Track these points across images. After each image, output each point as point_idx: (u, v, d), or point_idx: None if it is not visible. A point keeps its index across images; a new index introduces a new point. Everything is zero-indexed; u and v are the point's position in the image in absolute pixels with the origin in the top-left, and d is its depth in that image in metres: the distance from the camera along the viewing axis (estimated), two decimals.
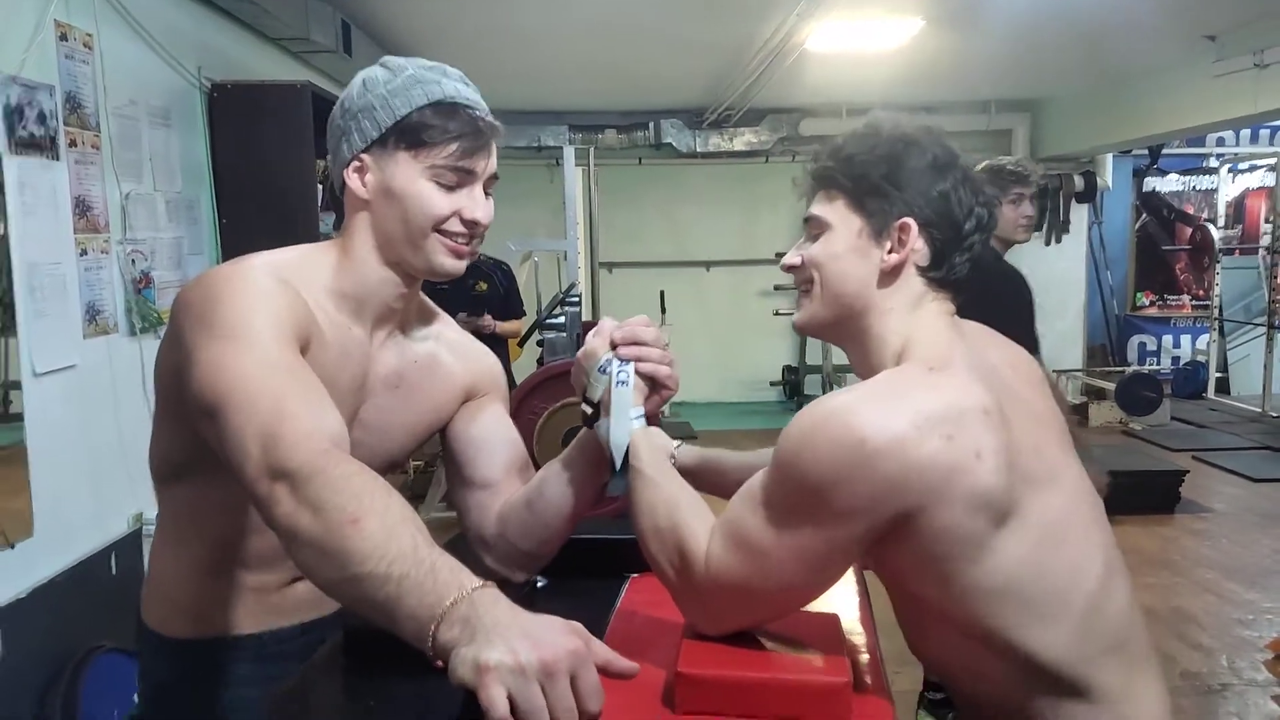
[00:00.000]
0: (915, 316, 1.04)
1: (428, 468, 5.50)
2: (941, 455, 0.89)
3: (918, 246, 1.03)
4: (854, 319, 1.06)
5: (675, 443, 1.32)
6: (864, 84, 5.97)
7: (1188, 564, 4.27)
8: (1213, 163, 8.04)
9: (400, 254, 1.11)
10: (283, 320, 1.00)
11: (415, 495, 5.25)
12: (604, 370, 1.09)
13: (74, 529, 2.38)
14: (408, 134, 1.06)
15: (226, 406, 0.91)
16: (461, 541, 1.41)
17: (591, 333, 1.13)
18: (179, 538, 1.17)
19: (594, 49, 5.16)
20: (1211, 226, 7.88)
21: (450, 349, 1.27)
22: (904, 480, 0.89)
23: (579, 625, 0.77)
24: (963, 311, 1.09)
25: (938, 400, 0.92)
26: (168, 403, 1.08)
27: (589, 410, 1.11)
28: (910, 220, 1.03)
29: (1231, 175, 8.08)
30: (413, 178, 1.07)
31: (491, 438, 1.25)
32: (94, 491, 2.48)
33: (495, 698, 0.69)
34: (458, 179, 1.08)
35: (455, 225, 1.09)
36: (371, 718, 0.84)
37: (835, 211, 1.06)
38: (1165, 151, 7.62)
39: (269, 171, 3.22)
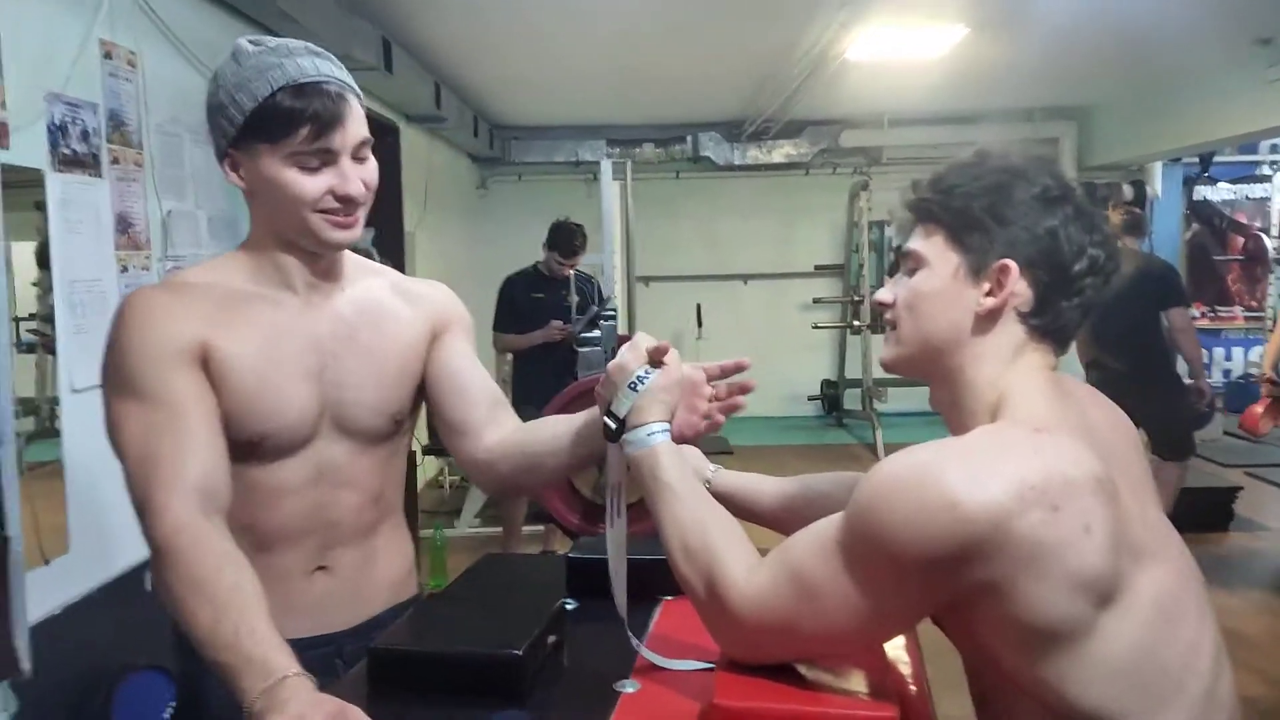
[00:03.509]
0: (1013, 368, 0.96)
1: (463, 482, 5.51)
2: (1043, 529, 0.81)
3: (1019, 290, 0.95)
4: (943, 361, 0.98)
5: (713, 467, 1.29)
6: (906, 93, 5.90)
7: (1243, 584, 4.13)
8: (1266, 170, 7.84)
9: (289, 237, 1.17)
10: (165, 351, 1.10)
11: (452, 510, 5.25)
12: (634, 387, 1.06)
13: (109, 545, 2.38)
14: (259, 127, 1.10)
15: (122, 463, 1.10)
16: (493, 560, 1.39)
17: (626, 346, 1.10)
18: None
19: (632, 62, 5.15)
20: (1265, 236, 7.68)
21: (399, 294, 1.30)
22: (995, 552, 0.81)
23: (347, 707, 0.87)
24: None
25: (1044, 467, 0.84)
26: None
27: (613, 425, 1.07)
28: (1010, 262, 0.94)
29: None
30: (275, 167, 1.11)
31: (458, 377, 1.29)
32: (130, 508, 2.48)
33: None
34: (320, 160, 1.11)
35: (330, 203, 1.13)
36: None
37: (932, 247, 0.99)
38: (1217, 159, 7.45)
39: None
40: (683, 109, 6.74)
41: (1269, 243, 7.59)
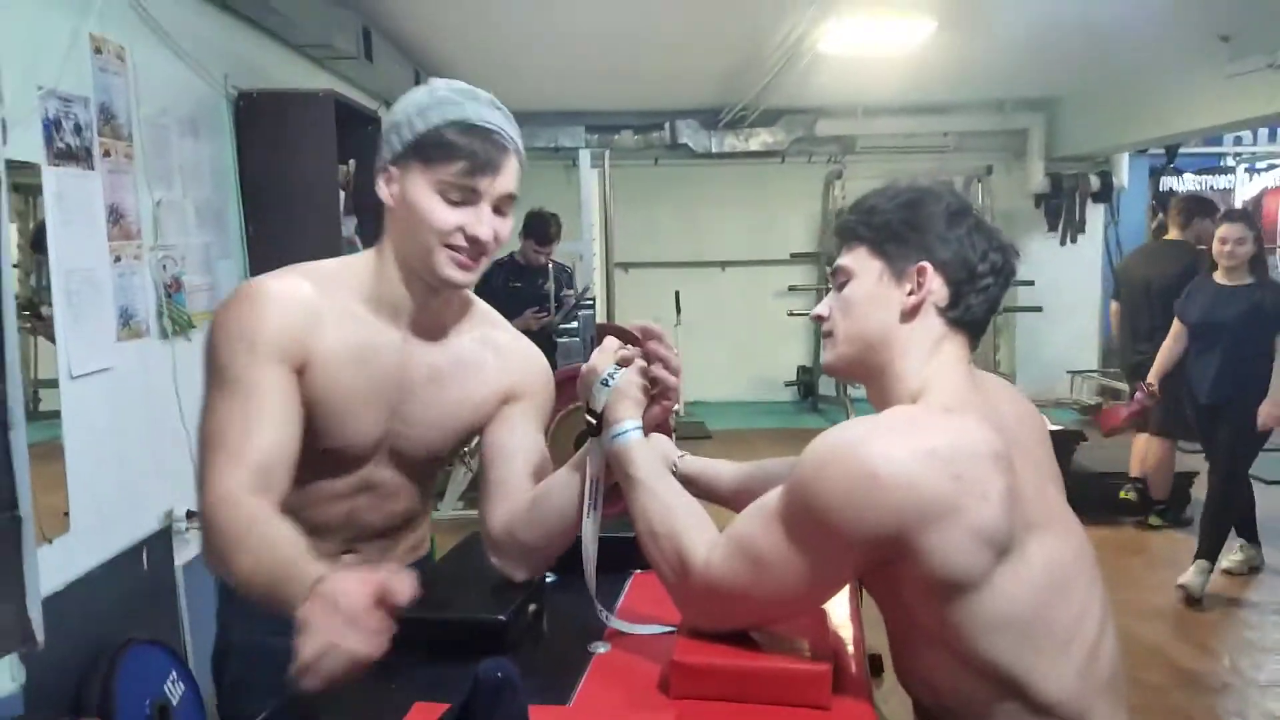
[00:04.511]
0: (935, 358, 1.10)
1: (444, 466, 5.62)
2: (948, 492, 0.95)
3: (935, 287, 1.10)
4: (876, 356, 1.12)
5: (680, 453, 1.40)
6: (879, 84, 6.01)
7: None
8: (1230, 162, 8.04)
9: (412, 260, 1.21)
10: (267, 347, 1.15)
11: (435, 493, 5.35)
12: (606, 384, 1.16)
13: (108, 526, 2.47)
14: (422, 149, 1.16)
15: (200, 445, 1.16)
16: (479, 538, 1.50)
17: (597, 350, 1.20)
18: None
19: (610, 51, 5.23)
20: None
21: (497, 352, 1.35)
22: (908, 512, 0.95)
23: (363, 575, 0.92)
24: None
25: (950, 440, 0.98)
26: None
27: (593, 421, 1.18)
28: (927, 263, 1.09)
29: (1249, 175, 8.07)
30: (422, 190, 1.16)
31: (515, 443, 1.33)
32: (127, 490, 2.57)
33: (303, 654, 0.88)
34: (463, 196, 1.16)
35: (459, 240, 1.17)
36: (391, 693, 0.94)
37: (858, 259, 1.14)
38: (1182, 151, 7.61)
39: (294, 177, 3.32)
40: (661, 96, 6.82)
41: None
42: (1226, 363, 3.83)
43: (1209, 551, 3.91)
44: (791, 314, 7.76)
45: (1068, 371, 7.76)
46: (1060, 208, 7.32)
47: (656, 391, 1.17)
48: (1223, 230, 3.92)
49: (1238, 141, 7.84)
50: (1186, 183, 8.15)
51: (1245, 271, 3.84)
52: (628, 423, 1.15)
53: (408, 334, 1.27)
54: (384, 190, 1.20)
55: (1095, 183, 7.25)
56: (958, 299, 1.10)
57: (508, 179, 1.19)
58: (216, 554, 1.08)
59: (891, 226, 1.11)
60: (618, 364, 1.17)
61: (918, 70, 5.54)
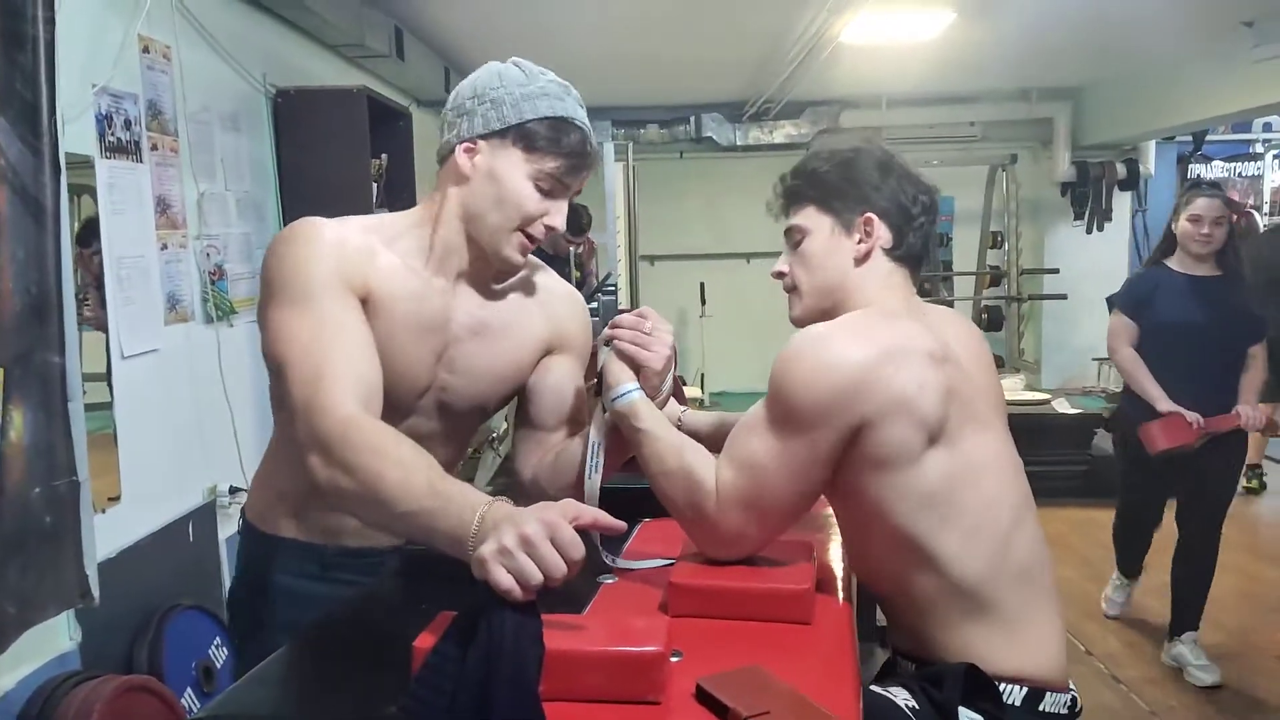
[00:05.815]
0: (884, 292, 1.26)
1: (474, 454, 5.75)
2: (891, 382, 1.11)
3: (881, 233, 1.25)
4: (836, 299, 1.27)
5: (683, 408, 1.52)
6: (902, 75, 6.04)
7: (1221, 546, 4.32)
8: (1259, 148, 7.98)
9: (479, 233, 1.24)
10: (334, 274, 1.17)
11: (465, 478, 5.48)
12: (608, 343, 1.30)
13: (156, 499, 2.62)
14: (526, 136, 1.20)
15: (284, 369, 1.13)
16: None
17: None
18: (282, 453, 1.39)
19: (636, 46, 5.33)
20: (1256, 213, 7.82)
21: (541, 296, 1.39)
22: (859, 397, 1.11)
23: (567, 501, 0.94)
24: None
25: (893, 338, 1.14)
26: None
27: (594, 380, 1.31)
28: (871, 214, 1.24)
29: (1278, 161, 8.01)
30: (518, 174, 1.21)
31: (552, 390, 1.39)
32: (174, 466, 2.72)
33: (497, 578, 0.87)
34: (553, 188, 1.23)
35: (537, 228, 1.25)
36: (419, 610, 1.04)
37: (808, 217, 1.29)
38: (1210, 138, 7.57)
39: (329, 170, 3.46)
40: (686, 91, 6.90)
41: (1260, 220, 7.73)
42: (1214, 375, 3.05)
43: (1190, 622, 3.20)
44: None
45: (1094, 359, 7.75)
46: (1087, 196, 7.31)
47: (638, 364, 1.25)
48: (1199, 206, 3.08)
49: (1267, 128, 7.79)
50: (1215, 170, 8.11)
51: (1214, 261, 3.11)
52: (627, 384, 1.25)
53: (456, 284, 1.30)
54: (463, 159, 1.22)
55: (1122, 171, 7.23)
56: (900, 239, 1.26)
57: (588, 176, 1.28)
58: (353, 466, 1.02)
59: (833, 184, 1.26)
60: (608, 339, 1.29)
61: (942, 60, 5.57)
